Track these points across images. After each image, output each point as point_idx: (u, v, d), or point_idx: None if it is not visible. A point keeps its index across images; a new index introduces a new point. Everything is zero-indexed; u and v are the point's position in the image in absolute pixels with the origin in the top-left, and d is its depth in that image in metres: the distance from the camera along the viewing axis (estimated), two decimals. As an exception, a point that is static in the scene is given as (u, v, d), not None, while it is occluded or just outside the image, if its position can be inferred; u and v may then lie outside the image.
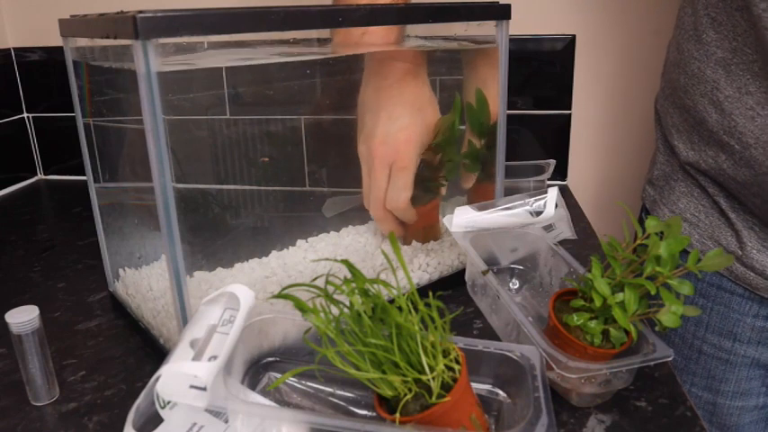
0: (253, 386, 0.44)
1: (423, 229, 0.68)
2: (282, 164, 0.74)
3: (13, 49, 1.07)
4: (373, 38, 0.58)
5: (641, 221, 0.73)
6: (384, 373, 0.37)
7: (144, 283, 0.58)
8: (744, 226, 0.60)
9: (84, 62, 0.55)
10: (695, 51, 0.59)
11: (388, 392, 0.37)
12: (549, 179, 0.87)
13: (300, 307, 0.38)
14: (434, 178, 0.65)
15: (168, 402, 0.35)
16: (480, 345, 0.42)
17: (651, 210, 0.70)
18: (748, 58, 0.53)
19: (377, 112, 0.60)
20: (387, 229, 0.62)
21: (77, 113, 0.57)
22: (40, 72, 1.07)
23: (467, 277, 0.58)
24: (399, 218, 0.63)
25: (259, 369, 0.46)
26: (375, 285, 0.38)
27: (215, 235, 0.64)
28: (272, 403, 0.40)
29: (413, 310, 0.37)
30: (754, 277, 0.59)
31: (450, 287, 0.64)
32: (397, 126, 0.59)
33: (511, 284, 0.61)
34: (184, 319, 0.46)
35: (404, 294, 0.38)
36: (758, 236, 0.59)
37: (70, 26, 0.53)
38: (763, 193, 0.55)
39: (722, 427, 0.66)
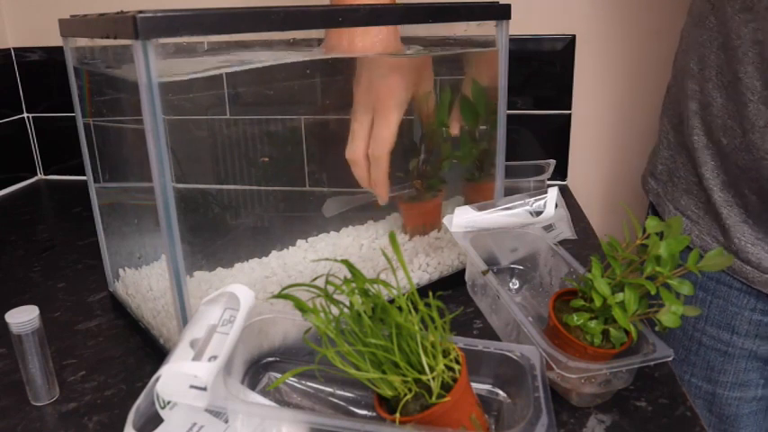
0: (253, 386, 0.44)
1: (423, 227, 0.68)
2: (282, 164, 0.74)
3: (13, 49, 1.07)
4: (366, 45, 0.58)
5: (654, 212, 0.74)
6: (384, 373, 0.37)
7: (144, 283, 0.58)
8: (738, 220, 0.60)
9: (86, 70, 0.55)
10: (699, 36, 0.60)
11: (388, 392, 0.37)
12: (549, 179, 0.87)
13: (300, 307, 0.38)
14: (432, 174, 0.66)
15: (168, 402, 0.35)
16: (480, 345, 0.42)
17: (656, 204, 0.71)
18: (734, 44, 0.55)
19: (364, 65, 0.61)
20: (359, 175, 0.62)
21: (77, 113, 0.57)
22: (40, 72, 1.07)
23: (467, 277, 0.58)
24: (373, 169, 0.62)
25: (259, 369, 0.46)
26: (375, 285, 0.38)
27: (215, 235, 0.64)
28: (272, 403, 0.40)
29: (413, 310, 0.37)
30: (751, 270, 0.60)
31: (451, 287, 0.64)
32: (378, 73, 0.60)
33: (511, 284, 0.61)
34: (184, 319, 0.46)
35: (404, 294, 0.38)
36: (752, 229, 0.60)
37: (70, 26, 0.53)
38: (759, 178, 0.56)
39: (721, 417, 0.67)
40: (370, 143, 0.61)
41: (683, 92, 0.64)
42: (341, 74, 0.65)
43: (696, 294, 0.65)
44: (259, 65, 0.54)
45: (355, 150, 0.61)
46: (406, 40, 0.63)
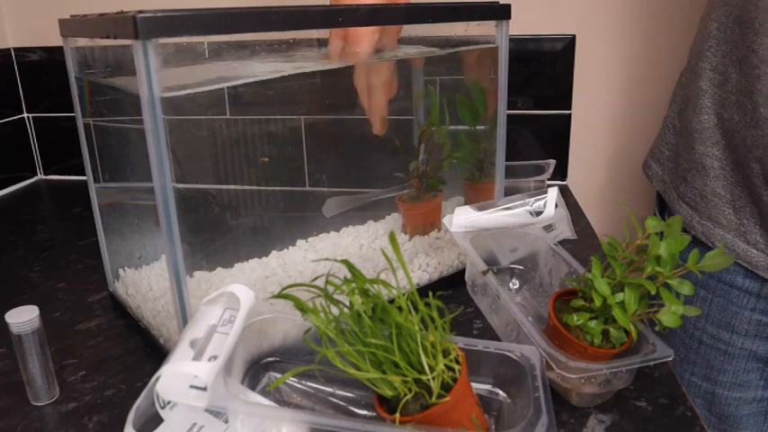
0: (253, 386, 0.44)
1: (423, 227, 0.68)
2: (282, 164, 0.74)
3: (13, 49, 1.07)
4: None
5: (661, 206, 0.74)
6: (384, 373, 0.37)
7: (144, 283, 0.58)
8: (747, 201, 0.60)
9: (87, 80, 0.55)
10: (712, 13, 0.60)
11: (388, 392, 0.37)
12: (549, 179, 0.87)
13: (300, 307, 0.38)
14: (432, 174, 0.66)
15: (168, 402, 0.35)
16: (480, 345, 0.42)
17: (661, 190, 0.71)
18: (751, 15, 0.55)
19: None
20: (362, 101, 0.63)
21: (77, 113, 0.57)
22: (40, 72, 1.07)
23: (467, 277, 0.58)
24: (372, 98, 0.63)
25: (259, 369, 0.46)
26: (375, 285, 0.38)
27: (215, 235, 0.64)
28: (272, 403, 0.40)
29: (413, 310, 0.37)
30: (757, 254, 0.60)
31: (450, 287, 0.64)
32: None
33: (511, 284, 0.61)
34: (184, 319, 0.46)
35: (404, 294, 0.38)
36: (760, 211, 0.59)
37: (70, 26, 0.53)
38: (765, 156, 0.56)
39: (721, 417, 0.67)
40: (369, 74, 0.62)
41: (696, 72, 0.64)
42: (341, 74, 0.65)
43: (697, 292, 0.65)
44: (261, 78, 0.54)
45: (358, 78, 0.63)
46: (405, 40, 0.63)
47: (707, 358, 0.66)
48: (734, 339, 0.64)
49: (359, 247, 0.67)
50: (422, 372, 0.36)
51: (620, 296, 0.44)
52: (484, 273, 0.52)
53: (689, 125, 0.65)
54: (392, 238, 0.39)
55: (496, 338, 0.52)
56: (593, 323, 0.45)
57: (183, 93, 0.45)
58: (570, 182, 0.98)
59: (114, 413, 0.47)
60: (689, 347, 0.67)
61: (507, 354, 0.41)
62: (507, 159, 0.65)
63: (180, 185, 0.45)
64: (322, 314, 0.38)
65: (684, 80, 0.68)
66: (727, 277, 0.63)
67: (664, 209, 0.72)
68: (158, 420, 0.35)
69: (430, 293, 0.40)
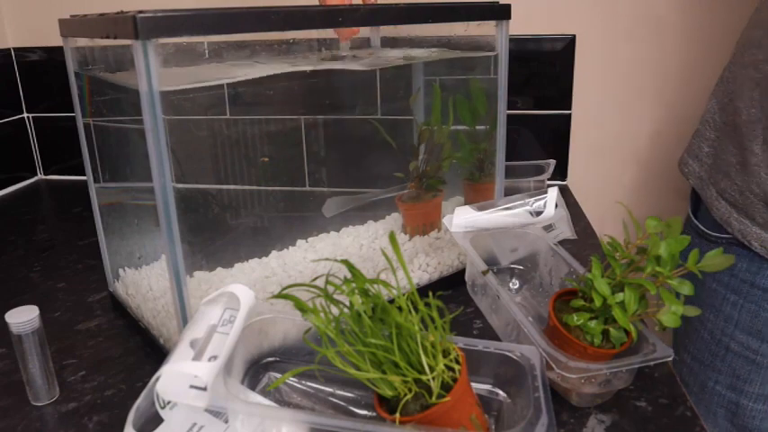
0: (253, 386, 0.44)
1: (423, 227, 0.68)
2: (282, 164, 0.74)
3: (13, 49, 1.07)
4: None
5: (696, 199, 0.71)
6: (384, 373, 0.37)
7: (144, 283, 0.58)
8: None
9: (86, 75, 0.55)
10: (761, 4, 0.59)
11: (388, 392, 0.37)
12: (549, 179, 0.87)
13: (300, 307, 0.38)
14: (432, 174, 0.66)
15: (168, 402, 0.35)
16: (480, 345, 0.42)
17: (697, 187, 0.69)
18: None
19: None
20: None
21: (77, 113, 0.57)
22: (40, 72, 1.07)
23: (467, 277, 0.58)
24: None
25: (259, 369, 0.46)
26: (375, 285, 0.38)
27: (215, 235, 0.64)
28: (272, 403, 0.40)
29: (413, 310, 0.37)
30: None
31: (450, 287, 0.64)
32: None
33: (511, 284, 0.61)
34: (184, 319, 0.46)
35: (404, 294, 0.38)
36: None
37: (70, 26, 0.53)
38: None
39: (743, 430, 0.65)
40: None
41: (743, 64, 0.62)
42: (341, 73, 0.65)
43: (727, 297, 0.63)
44: (260, 75, 0.54)
45: None
46: (406, 41, 0.63)
47: (733, 367, 0.63)
48: (763, 348, 0.61)
49: (359, 247, 0.67)
50: (422, 372, 0.36)
51: (620, 296, 0.44)
52: (484, 273, 0.52)
53: (736, 119, 0.62)
54: (392, 238, 0.39)
55: (496, 338, 0.52)
56: (593, 323, 0.45)
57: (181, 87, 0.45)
58: (570, 182, 0.98)
59: (114, 413, 0.47)
60: (715, 354, 0.64)
61: (507, 354, 0.41)
62: (507, 159, 0.65)
63: (180, 185, 0.45)
64: (322, 314, 0.38)
65: (728, 74, 0.66)
66: (762, 282, 0.60)
67: (698, 206, 0.70)
68: (158, 420, 0.35)
69: (430, 293, 0.40)
